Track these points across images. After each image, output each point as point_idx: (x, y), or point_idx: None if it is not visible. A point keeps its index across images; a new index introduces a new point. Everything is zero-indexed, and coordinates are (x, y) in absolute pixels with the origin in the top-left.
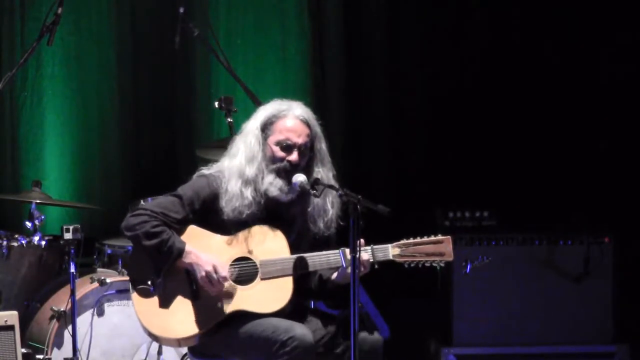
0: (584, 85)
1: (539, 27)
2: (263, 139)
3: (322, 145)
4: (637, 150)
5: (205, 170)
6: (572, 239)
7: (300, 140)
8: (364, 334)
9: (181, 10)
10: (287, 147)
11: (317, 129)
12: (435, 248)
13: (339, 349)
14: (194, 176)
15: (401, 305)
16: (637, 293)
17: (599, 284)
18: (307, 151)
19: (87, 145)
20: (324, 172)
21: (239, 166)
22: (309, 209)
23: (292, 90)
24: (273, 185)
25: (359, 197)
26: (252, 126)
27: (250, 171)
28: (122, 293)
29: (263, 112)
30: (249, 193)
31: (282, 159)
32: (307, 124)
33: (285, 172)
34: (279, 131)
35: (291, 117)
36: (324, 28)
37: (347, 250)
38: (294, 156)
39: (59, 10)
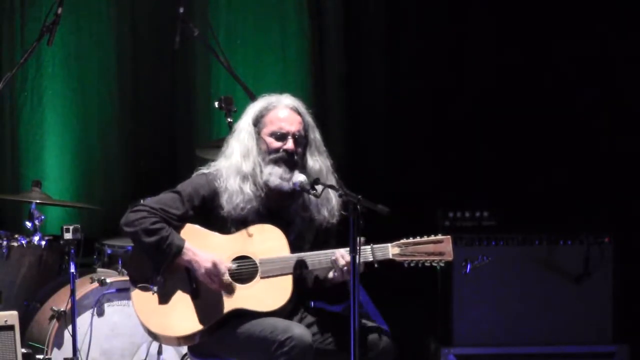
0: (584, 85)
1: (538, 27)
2: (257, 134)
3: (316, 135)
4: (637, 150)
5: (204, 169)
6: (572, 239)
7: (293, 128)
8: (373, 338)
9: (181, 10)
10: (282, 136)
11: (309, 117)
12: (435, 247)
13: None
14: (193, 175)
15: (401, 305)
16: (637, 293)
17: (599, 284)
18: (302, 139)
19: (87, 145)
20: (322, 161)
21: (235, 164)
22: (312, 200)
23: (292, 90)
24: (273, 174)
25: (359, 197)
26: (243, 123)
27: (246, 166)
28: (122, 293)
29: (253, 109)
30: (248, 188)
31: (278, 150)
32: (298, 112)
33: (283, 162)
34: (271, 122)
35: (282, 107)
36: (324, 28)
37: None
38: (289, 144)
39: (59, 11)
